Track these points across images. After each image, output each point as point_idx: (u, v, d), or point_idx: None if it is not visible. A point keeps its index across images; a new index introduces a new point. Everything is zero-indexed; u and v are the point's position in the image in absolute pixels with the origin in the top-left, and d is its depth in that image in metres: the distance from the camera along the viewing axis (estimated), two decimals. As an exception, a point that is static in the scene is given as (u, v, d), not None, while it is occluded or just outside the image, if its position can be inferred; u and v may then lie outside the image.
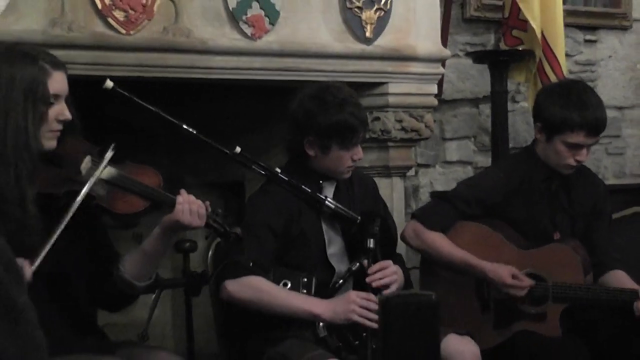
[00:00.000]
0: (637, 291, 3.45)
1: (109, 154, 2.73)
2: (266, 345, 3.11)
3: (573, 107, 3.50)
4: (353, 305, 3.02)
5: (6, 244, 1.10)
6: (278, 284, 3.12)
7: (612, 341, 3.55)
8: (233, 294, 3.08)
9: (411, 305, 2.44)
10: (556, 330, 3.49)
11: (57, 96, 2.66)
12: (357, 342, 3.07)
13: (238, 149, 3.07)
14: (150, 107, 2.92)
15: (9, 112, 2.57)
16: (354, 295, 3.06)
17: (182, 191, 2.77)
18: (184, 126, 2.99)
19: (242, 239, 2.90)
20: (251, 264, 3.06)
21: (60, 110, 2.67)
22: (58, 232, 2.58)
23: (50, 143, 2.68)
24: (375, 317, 2.93)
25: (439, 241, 3.56)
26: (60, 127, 2.68)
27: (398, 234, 3.55)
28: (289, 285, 3.12)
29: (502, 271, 3.47)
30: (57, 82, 2.66)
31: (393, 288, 3.14)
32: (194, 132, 3.00)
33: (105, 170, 2.71)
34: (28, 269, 2.48)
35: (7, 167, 2.57)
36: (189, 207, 2.74)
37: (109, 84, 2.85)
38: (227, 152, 3.07)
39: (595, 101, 3.55)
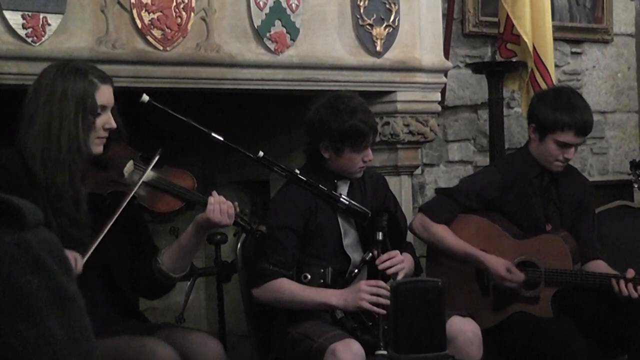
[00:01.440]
0: (618, 275, 3.43)
1: (156, 158, 2.73)
2: (289, 326, 3.11)
3: (563, 109, 3.49)
4: (363, 294, 3.02)
5: (57, 239, 1.08)
6: (299, 276, 3.13)
7: (597, 320, 3.53)
8: (260, 299, 3.13)
9: (419, 290, 2.42)
10: (548, 312, 3.47)
11: (104, 107, 2.66)
12: (370, 324, 3.06)
13: (261, 153, 3.07)
14: (182, 117, 2.92)
15: (63, 121, 2.59)
16: (364, 285, 3.05)
17: (214, 192, 2.77)
18: (213, 134, 2.98)
19: (266, 235, 2.90)
20: (271, 267, 3.08)
21: (107, 120, 2.67)
22: (106, 229, 2.58)
23: (97, 149, 2.69)
24: (385, 302, 2.92)
25: (443, 233, 3.54)
26: (106, 134, 2.69)
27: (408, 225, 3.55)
28: (309, 277, 3.13)
29: (498, 264, 3.46)
30: (105, 95, 2.67)
31: (401, 275, 3.13)
32: (221, 139, 2.99)
33: (146, 174, 2.72)
34: (80, 261, 2.49)
35: (62, 169, 2.58)
36: (219, 207, 2.74)
37: (145, 98, 2.84)
38: (252, 156, 3.06)
39: (583, 105, 3.55)
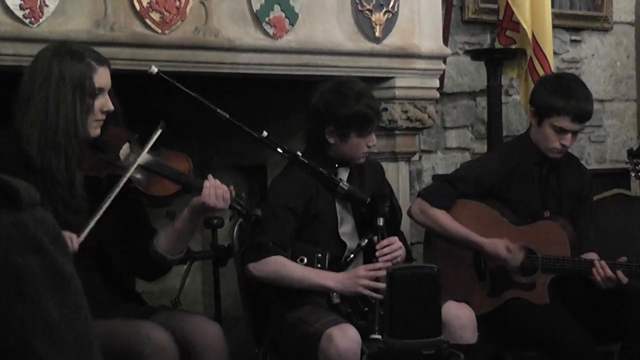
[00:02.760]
0: (614, 263, 3.43)
1: (158, 132, 2.73)
2: (286, 311, 3.11)
3: (561, 94, 3.49)
4: (361, 280, 3.03)
5: (54, 219, 1.08)
6: (296, 259, 3.12)
7: (591, 308, 3.53)
8: (255, 274, 3.10)
9: (415, 277, 2.42)
10: (544, 298, 3.47)
11: (101, 89, 2.66)
12: (366, 309, 3.07)
13: (265, 133, 3.08)
14: (191, 93, 2.92)
15: (60, 104, 2.58)
16: (362, 270, 3.06)
17: (209, 176, 2.77)
18: (218, 110, 2.99)
19: (262, 220, 2.90)
20: (270, 244, 3.07)
21: (105, 102, 2.67)
22: (101, 211, 2.58)
23: (95, 131, 2.68)
24: (382, 287, 2.93)
25: (442, 218, 3.55)
26: (104, 117, 2.69)
27: (402, 213, 3.54)
28: (305, 260, 3.12)
29: (498, 245, 3.47)
30: (102, 77, 2.66)
31: (399, 260, 3.13)
32: (227, 115, 3.00)
33: (142, 157, 2.71)
34: (76, 240, 2.49)
35: (58, 152, 2.58)
36: (215, 191, 2.73)
37: (154, 69, 2.84)
38: (256, 135, 3.06)
39: (583, 93, 3.54)
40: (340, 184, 3.17)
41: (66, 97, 2.59)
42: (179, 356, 2.60)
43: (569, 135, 3.51)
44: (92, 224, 2.56)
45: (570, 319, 3.41)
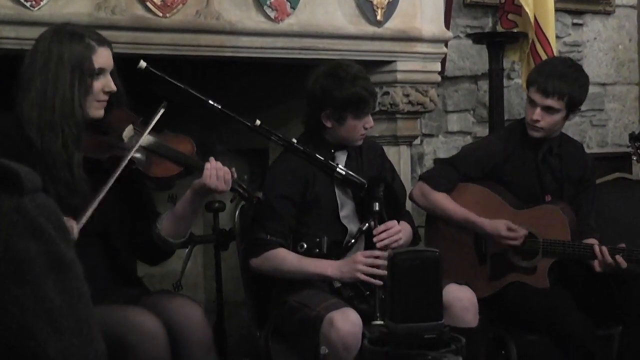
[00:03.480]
0: (614, 248, 3.43)
1: (160, 112, 2.73)
2: (287, 294, 3.12)
3: (540, 68, 3.58)
4: (359, 265, 3.03)
5: (55, 204, 1.08)
6: (296, 245, 3.14)
7: (592, 292, 3.54)
8: (257, 269, 3.14)
9: (416, 260, 2.41)
10: (545, 282, 3.48)
11: (102, 70, 2.65)
12: (367, 293, 3.07)
13: (258, 122, 3.08)
14: (179, 84, 2.92)
15: (58, 85, 2.57)
16: (360, 256, 3.06)
17: (211, 158, 2.76)
18: (210, 101, 2.98)
19: (263, 202, 2.90)
20: (269, 237, 3.08)
21: (106, 83, 2.66)
22: (102, 194, 2.57)
23: (97, 112, 2.67)
24: (381, 273, 2.93)
25: (443, 201, 3.55)
26: (106, 97, 2.67)
27: (407, 194, 3.55)
28: (305, 246, 3.13)
29: (498, 225, 3.47)
30: (102, 57, 2.65)
31: (399, 243, 3.13)
32: (219, 106, 2.99)
33: (145, 138, 2.71)
34: (75, 227, 2.48)
35: (56, 134, 2.57)
36: (216, 172, 2.72)
37: (142, 64, 2.84)
38: (249, 124, 3.06)
39: (564, 72, 3.52)
40: (337, 168, 3.17)
41: (64, 78, 2.58)
42: (168, 342, 2.58)
43: (538, 109, 3.50)
44: (91, 209, 2.55)
45: (570, 302, 3.42)
